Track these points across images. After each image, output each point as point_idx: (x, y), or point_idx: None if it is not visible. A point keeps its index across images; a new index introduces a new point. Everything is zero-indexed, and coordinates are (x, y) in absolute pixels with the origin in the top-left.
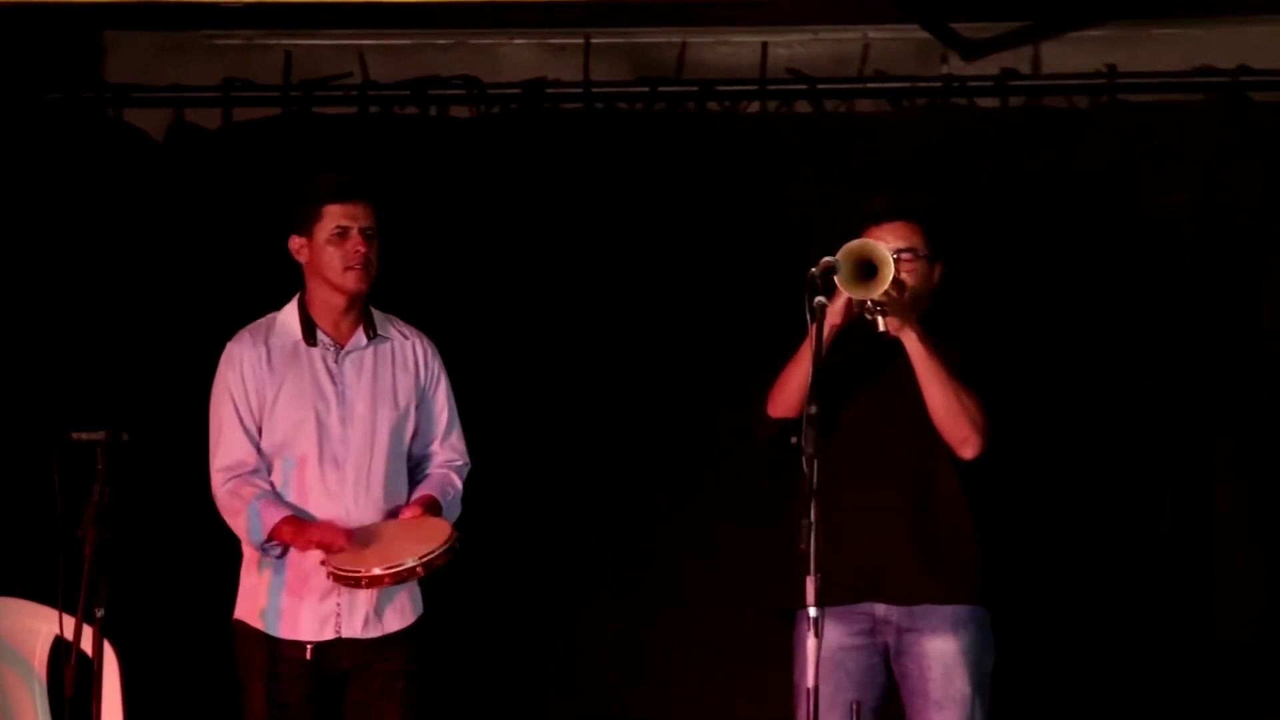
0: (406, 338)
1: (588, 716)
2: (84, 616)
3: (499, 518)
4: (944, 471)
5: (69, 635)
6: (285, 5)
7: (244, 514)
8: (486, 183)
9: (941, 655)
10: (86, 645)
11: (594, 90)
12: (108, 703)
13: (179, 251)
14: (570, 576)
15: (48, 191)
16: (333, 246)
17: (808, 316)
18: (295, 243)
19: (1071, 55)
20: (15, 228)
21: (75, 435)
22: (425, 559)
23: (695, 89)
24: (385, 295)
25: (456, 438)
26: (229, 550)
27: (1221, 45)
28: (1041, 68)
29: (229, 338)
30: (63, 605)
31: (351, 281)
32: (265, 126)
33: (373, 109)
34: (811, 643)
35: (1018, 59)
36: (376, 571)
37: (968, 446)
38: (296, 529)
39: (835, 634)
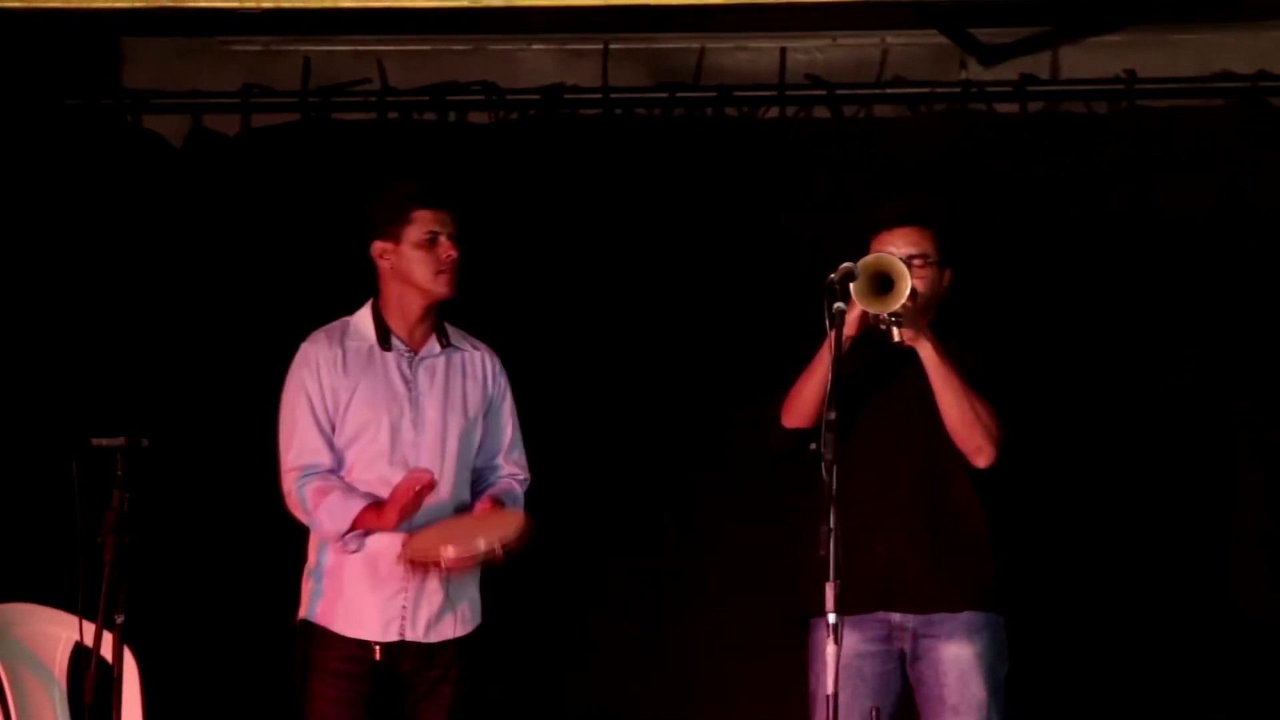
0: (476, 349)
1: (601, 717)
2: (104, 623)
3: None
4: (958, 479)
5: (89, 641)
6: (304, 11)
7: (324, 507)
8: (505, 189)
9: (957, 661)
10: (106, 652)
11: (612, 96)
12: (128, 709)
13: (198, 257)
14: (583, 579)
15: (67, 197)
16: (423, 251)
17: (827, 322)
18: (379, 247)
19: (1090, 61)
20: (35, 234)
21: (95, 441)
22: (502, 542)
23: (714, 95)
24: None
25: (519, 453)
26: (247, 556)
27: (1240, 50)
28: (1060, 73)
29: (249, 343)
30: (83, 611)
31: (443, 286)
32: (284, 132)
33: (391, 115)
34: (831, 649)
35: (1036, 64)
36: (450, 556)
37: (982, 455)
38: (376, 512)
39: (851, 640)
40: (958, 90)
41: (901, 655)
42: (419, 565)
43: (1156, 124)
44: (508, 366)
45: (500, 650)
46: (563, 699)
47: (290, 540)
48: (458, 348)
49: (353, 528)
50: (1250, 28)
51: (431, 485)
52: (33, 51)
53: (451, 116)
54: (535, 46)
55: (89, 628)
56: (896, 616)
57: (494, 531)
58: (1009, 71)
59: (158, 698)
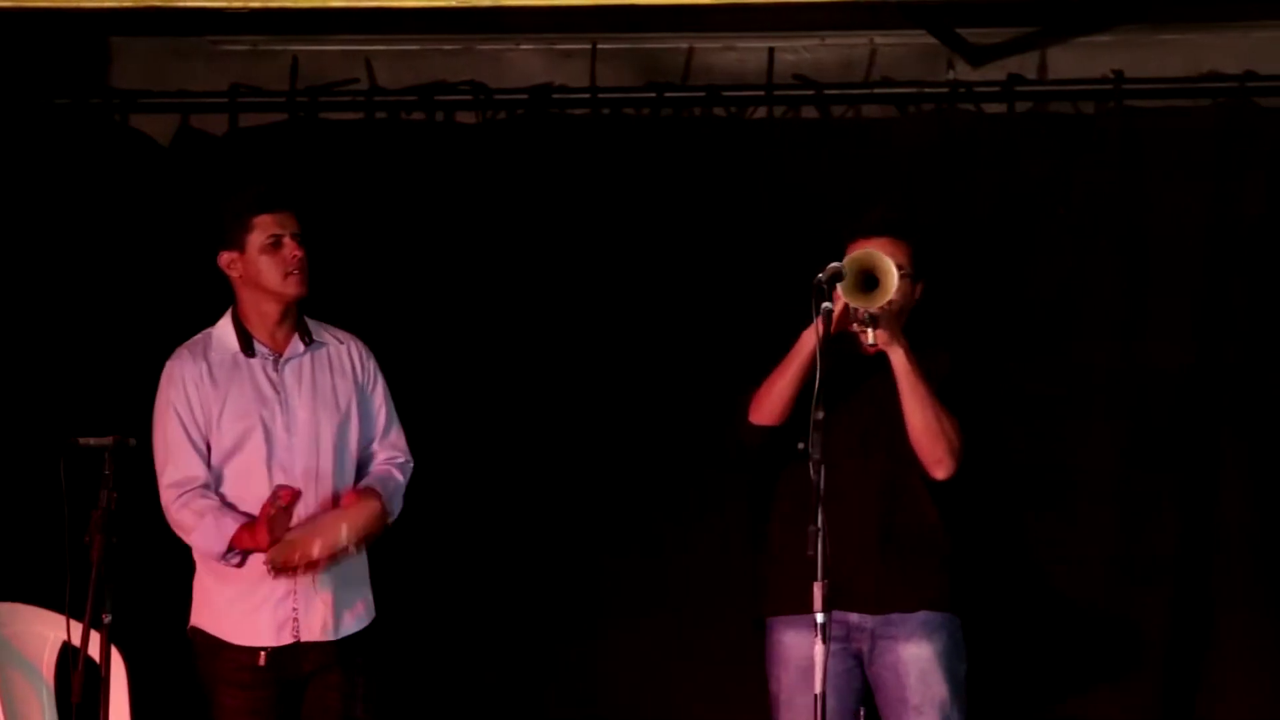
0: (341, 342)
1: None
2: (91, 622)
3: (504, 520)
4: (917, 486)
5: (76, 641)
6: (292, 11)
7: (200, 528)
8: (493, 189)
9: (917, 660)
10: (94, 651)
11: (601, 96)
12: (115, 708)
13: (186, 257)
14: (570, 581)
15: (54, 197)
16: (268, 255)
17: (815, 322)
18: (226, 258)
19: (1078, 61)
20: (22, 233)
21: (82, 441)
22: (354, 534)
23: (702, 95)
24: (393, 300)
25: (396, 434)
26: None
27: (1228, 51)
28: (1048, 73)
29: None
30: (70, 611)
31: (293, 287)
32: (272, 132)
33: (379, 115)
34: (819, 648)
35: (1024, 64)
36: (317, 549)
37: (941, 468)
38: (252, 531)
39: (810, 639)
40: (945, 90)
41: (860, 655)
42: (284, 570)
43: (1144, 124)
44: (494, 367)
45: (486, 652)
46: (547, 701)
47: None
48: (321, 343)
49: (230, 548)
50: (1238, 28)
51: (294, 498)
52: (21, 50)
53: (439, 116)
54: (523, 46)
55: (76, 627)
56: (854, 617)
57: (351, 524)
58: (997, 72)
59: (145, 697)
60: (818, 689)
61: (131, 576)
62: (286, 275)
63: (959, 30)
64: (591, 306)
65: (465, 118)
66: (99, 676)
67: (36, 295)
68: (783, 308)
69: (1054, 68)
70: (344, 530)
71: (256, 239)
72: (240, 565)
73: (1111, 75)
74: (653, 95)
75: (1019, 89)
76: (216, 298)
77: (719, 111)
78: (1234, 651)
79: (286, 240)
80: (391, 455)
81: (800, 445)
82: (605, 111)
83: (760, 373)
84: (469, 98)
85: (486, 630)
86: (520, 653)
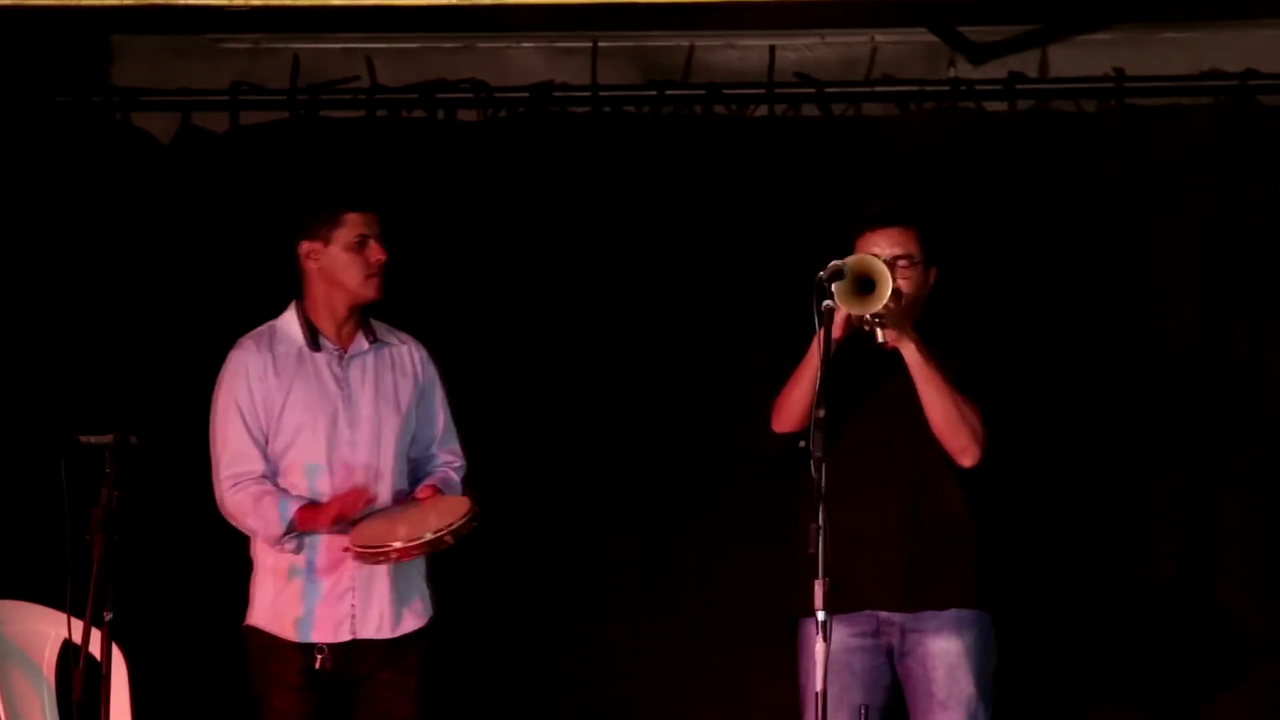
0: (403, 343)
1: (597, 715)
2: (92, 620)
3: (509, 520)
4: (945, 480)
5: (77, 639)
6: (293, 9)
7: (259, 511)
8: (494, 187)
9: (945, 656)
10: (95, 649)
11: (601, 94)
12: (116, 706)
13: (187, 255)
14: (579, 580)
15: (55, 195)
16: (352, 254)
17: (816, 320)
18: (307, 247)
19: (1079, 59)
20: (23, 231)
21: (83, 439)
22: (451, 527)
23: (703, 93)
24: (393, 299)
25: (454, 441)
26: (237, 554)
27: (1229, 49)
28: (1049, 71)
29: (234, 341)
30: (71, 609)
31: (372, 289)
32: (273, 130)
33: (380, 113)
34: (820, 646)
35: (1025, 63)
36: (399, 545)
37: (966, 455)
38: (313, 511)
39: (839, 636)
40: (947, 88)
41: (890, 650)
42: (369, 556)
43: (1146, 122)
44: (497, 367)
45: (494, 652)
46: (555, 701)
47: None
48: (385, 343)
49: (289, 529)
50: (1239, 26)
51: (370, 503)
52: (22, 48)
53: (440, 114)
54: (524, 44)
55: (77, 625)
56: (884, 613)
57: (440, 518)
58: (998, 70)
59: (146, 695)
60: (818, 687)
61: (132, 574)
62: (368, 277)
63: (960, 28)
64: (593, 305)
65: (466, 116)
66: (100, 674)
67: (37, 293)
68: (785, 306)
69: (1055, 66)
70: (431, 521)
71: (343, 235)
72: (297, 551)
73: (1113, 73)
74: (654, 93)
75: (1020, 87)
76: (217, 297)
77: (720, 110)
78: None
79: (372, 242)
80: (450, 460)
81: (801, 444)
82: (606, 110)
83: (765, 373)
84: (470, 96)
85: (489, 631)
86: (521, 653)
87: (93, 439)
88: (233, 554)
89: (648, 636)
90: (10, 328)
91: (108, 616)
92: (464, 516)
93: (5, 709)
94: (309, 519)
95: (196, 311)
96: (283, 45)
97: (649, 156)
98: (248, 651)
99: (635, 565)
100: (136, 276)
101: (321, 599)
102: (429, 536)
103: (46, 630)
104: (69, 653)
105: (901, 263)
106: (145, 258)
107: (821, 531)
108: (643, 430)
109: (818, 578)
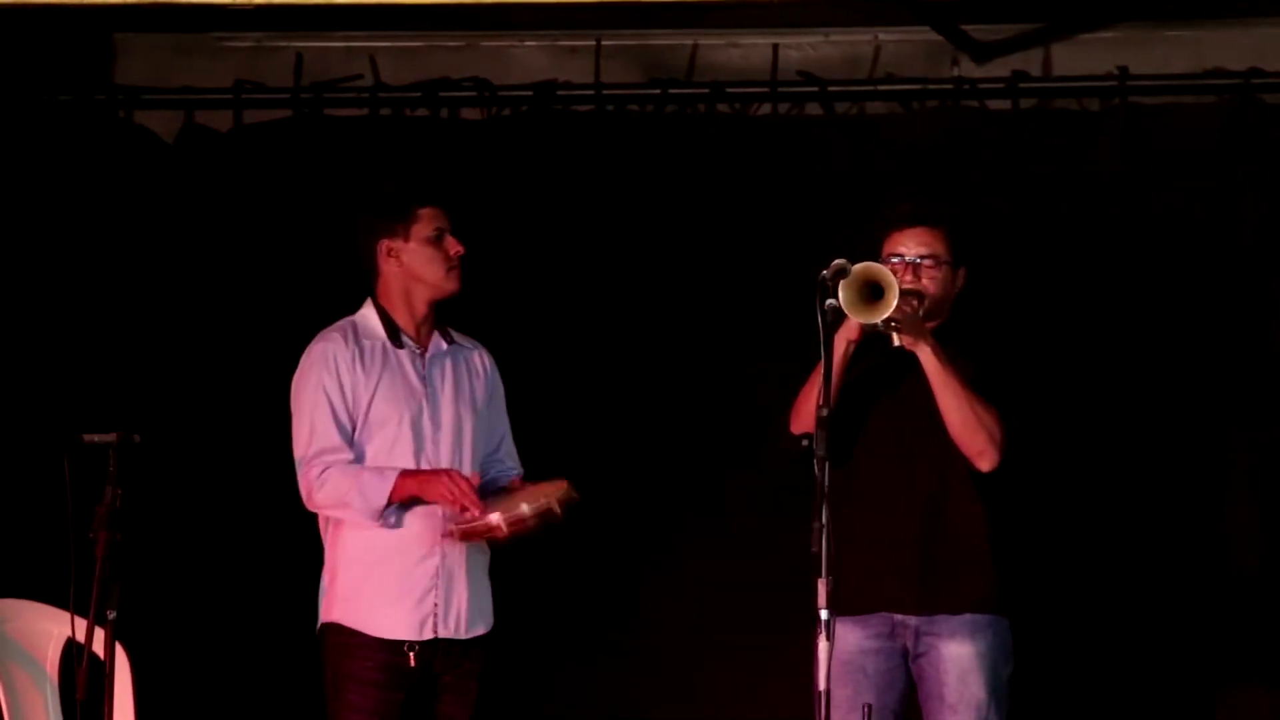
0: (474, 348)
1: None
2: (96, 619)
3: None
4: (962, 483)
5: (81, 638)
6: (296, 7)
7: (361, 484)
8: (497, 185)
9: (958, 659)
10: (98, 648)
11: (605, 92)
12: (119, 705)
13: (190, 253)
14: (586, 578)
15: (58, 193)
16: (432, 248)
17: (819, 319)
18: (386, 245)
19: (1082, 57)
20: (26, 229)
21: (87, 437)
22: (556, 496)
23: (706, 91)
24: None
25: (512, 445)
26: (238, 554)
27: (1232, 47)
28: (1052, 70)
29: (241, 338)
30: (74, 608)
31: (453, 282)
32: (276, 129)
33: (383, 111)
34: (824, 645)
35: (1028, 61)
36: (525, 509)
37: (984, 459)
38: (419, 478)
39: (855, 637)
40: (950, 87)
41: (905, 652)
42: (474, 535)
43: (1149, 121)
44: (502, 364)
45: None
46: (571, 700)
47: (284, 536)
48: (461, 346)
49: (391, 500)
50: (1242, 24)
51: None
52: (25, 47)
53: (444, 113)
54: (527, 43)
55: (81, 623)
56: (899, 615)
57: (540, 497)
58: (1001, 68)
59: (150, 694)
60: (821, 686)
61: (136, 573)
62: (449, 270)
63: (963, 27)
64: (597, 304)
65: (469, 114)
66: (103, 673)
67: (41, 292)
68: (788, 304)
69: (1058, 64)
70: (526, 506)
71: (421, 230)
72: (396, 526)
73: (1116, 72)
74: (657, 92)
75: (1023, 85)
76: (220, 296)
77: (723, 108)
78: None
79: (448, 235)
80: (510, 465)
81: (804, 443)
82: (609, 108)
83: (769, 373)
84: (473, 94)
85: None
86: (524, 654)
87: (96, 437)
88: (236, 552)
89: (654, 637)
90: (14, 326)
91: (111, 615)
92: (564, 492)
93: (9, 708)
94: (412, 485)
95: (200, 310)
96: (286, 44)
97: (652, 155)
98: (323, 647)
99: (639, 566)
100: (140, 275)
101: (406, 595)
102: (542, 501)
103: (50, 629)
104: (72, 651)
105: (927, 263)
106: (149, 256)
107: (825, 530)
108: (643, 430)
109: (820, 576)
